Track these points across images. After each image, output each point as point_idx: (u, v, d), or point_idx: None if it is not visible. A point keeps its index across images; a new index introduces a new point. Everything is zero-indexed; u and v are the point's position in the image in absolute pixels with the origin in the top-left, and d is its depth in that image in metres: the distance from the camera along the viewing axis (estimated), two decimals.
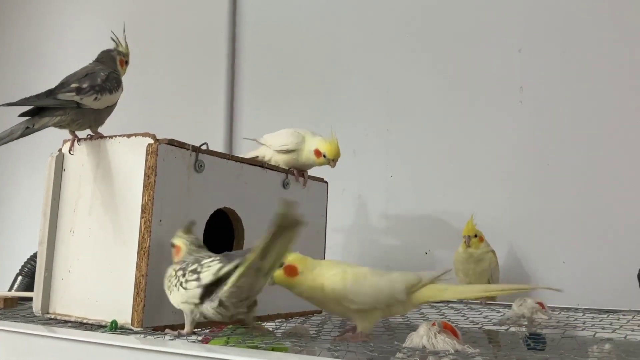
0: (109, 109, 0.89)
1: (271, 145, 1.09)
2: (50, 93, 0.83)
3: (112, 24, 1.02)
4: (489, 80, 1.40)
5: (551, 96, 1.33)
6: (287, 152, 1.08)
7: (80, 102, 0.84)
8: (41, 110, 0.83)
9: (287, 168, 1.06)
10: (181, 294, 0.73)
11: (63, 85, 0.85)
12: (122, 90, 0.92)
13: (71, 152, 0.88)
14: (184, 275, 0.73)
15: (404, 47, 1.53)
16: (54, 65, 2.20)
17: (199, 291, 0.71)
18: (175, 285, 0.74)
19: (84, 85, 0.85)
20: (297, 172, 1.06)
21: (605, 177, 1.25)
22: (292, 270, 0.79)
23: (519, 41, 1.37)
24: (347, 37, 1.63)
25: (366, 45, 1.59)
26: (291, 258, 0.80)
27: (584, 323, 0.93)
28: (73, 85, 0.84)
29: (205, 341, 0.88)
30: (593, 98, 1.29)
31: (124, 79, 0.95)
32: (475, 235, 1.20)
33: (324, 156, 1.06)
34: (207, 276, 0.71)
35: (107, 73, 0.89)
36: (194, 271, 0.72)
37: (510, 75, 1.37)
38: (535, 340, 0.86)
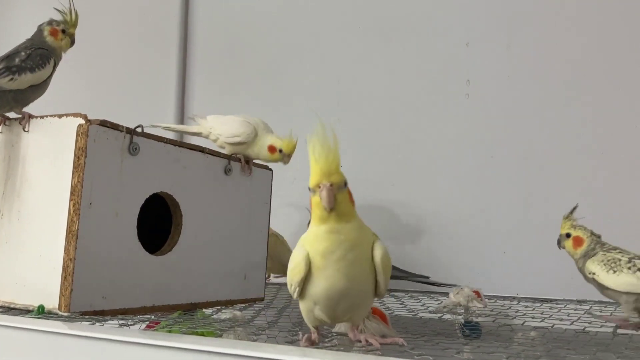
0: (35, 88, 0.86)
1: (220, 133, 1.07)
2: None
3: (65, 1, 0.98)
4: (437, 73, 1.41)
5: (497, 90, 1.35)
6: (238, 143, 1.06)
7: None
8: None
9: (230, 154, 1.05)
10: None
11: None
12: (54, 65, 0.88)
13: None
14: None
15: (355, 39, 1.53)
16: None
17: None
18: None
19: None
20: (243, 159, 1.05)
21: (546, 169, 1.28)
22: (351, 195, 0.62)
23: (467, 35, 1.39)
24: (298, 27, 1.62)
25: (318, 36, 1.59)
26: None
27: (516, 312, 0.95)
28: None
29: (151, 327, 0.87)
30: (538, 92, 1.32)
31: (72, 55, 0.92)
32: None
33: (280, 151, 1.05)
34: None
35: (30, 52, 0.86)
36: None
37: (458, 69, 1.39)
38: (471, 329, 0.87)
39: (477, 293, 0.99)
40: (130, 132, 0.82)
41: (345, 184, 0.60)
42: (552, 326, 0.81)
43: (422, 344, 0.60)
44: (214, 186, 0.99)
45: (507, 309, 0.99)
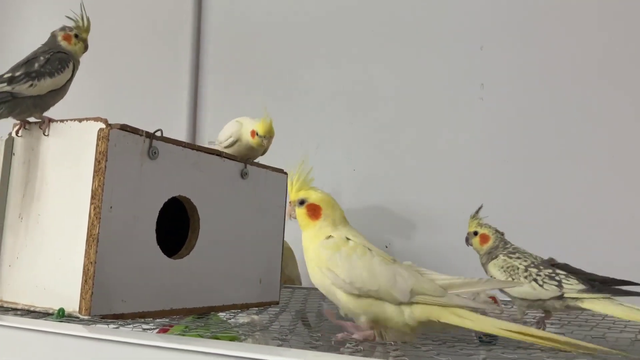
0: (55, 92, 0.86)
1: (220, 141, 1.08)
2: None
3: (77, 5, 0.99)
4: (451, 77, 1.41)
5: (511, 93, 1.35)
6: (232, 144, 1.07)
7: (13, 92, 0.82)
8: None
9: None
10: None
11: None
12: (73, 69, 0.88)
13: (18, 134, 0.86)
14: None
15: (368, 42, 1.54)
16: (19, 52, 2.14)
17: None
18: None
19: (18, 73, 0.83)
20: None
21: (560, 172, 1.28)
22: (315, 211, 0.76)
23: (481, 38, 1.39)
24: (312, 31, 1.62)
25: (331, 40, 1.59)
26: (317, 196, 0.76)
27: (534, 318, 0.95)
28: (6, 76, 0.83)
29: (164, 331, 0.88)
30: (552, 96, 1.31)
31: (87, 59, 0.92)
32: None
33: (257, 134, 1.03)
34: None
35: (49, 56, 0.85)
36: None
37: (472, 72, 1.38)
38: (488, 335, 0.87)
39: (494, 298, 0.98)
40: (150, 136, 0.82)
41: (302, 202, 0.77)
42: (572, 332, 0.80)
43: (445, 350, 0.60)
44: (230, 190, 0.99)
45: (525, 314, 0.98)
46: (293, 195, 0.78)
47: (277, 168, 1.12)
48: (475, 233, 1.00)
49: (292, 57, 1.64)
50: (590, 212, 1.26)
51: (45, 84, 0.84)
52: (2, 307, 0.83)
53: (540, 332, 0.62)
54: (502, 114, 1.35)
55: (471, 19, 1.41)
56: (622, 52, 1.27)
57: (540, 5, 1.35)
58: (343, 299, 0.70)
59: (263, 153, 1.13)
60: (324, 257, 0.71)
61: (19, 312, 0.80)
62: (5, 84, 0.81)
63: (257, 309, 1.04)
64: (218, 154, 0.97)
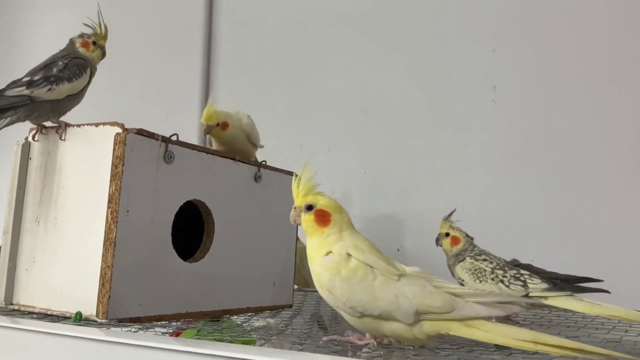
0: (72, 97, 0.86)
1: None
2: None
3: (89, 11, 1.00)
4: (463, 80, 1.41)
5: (523, 96, 1.34)
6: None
7: (32, 96, 0.82)
8: None
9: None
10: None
11: (15, 81, 0.83)
12: (91, 75, 0.89)
13: (35, 139, 0.86)
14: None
15: (379, 45, 1.54)
16: (29, 57, 2.16)
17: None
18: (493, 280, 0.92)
19: (36, 78, 0.83)
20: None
21: (574, 176, 1.27)
22: (324, 217, 0.72)
23: (493, 41, 1.38)
24: (322, 34, 1.62)
25: (341, 43, 1.59)
26: (325, 202, 0.73)
27: (549, 321, 0.94)
28: (25, 79, 0.83)
29: (176, 335, 0.88)
30: (565, 98, 1.31)
31: (100, 65, 0.93)
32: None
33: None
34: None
35: (67, 61, 0.86)
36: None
37: (484, 75, 1.38)
38: None
39: None
40: (166, 140, 0.83)
41: (310, 208, 0.73)
42: (589, 335, 0.80)
43: (464, 355, 0.59)
44: (244, 193, 1.00)
45: (540, 318, 0.98)
46: (299, 200, 0.74)
47: (289, 171, 1.12)
48: (447, 234, 1.05)
49: (304, 60, 1.64)
50: (607, 214, 1.25)
51: (64, 89, 0.84)
52: (19, 310, 0.84)
53: (554, 340, 0.59)
54: (515, 116, 1.35)
55: (483, 22, 1.41)
56: (634, 54, 1.27)
57: (552, 8, 1.34)
58: (346, 317, 0.69)
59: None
60: (323, 279, 0.68)
61: (35, 316, 0.81)
62: (23, 88, 0.82)
63: (269, 311, 1.05)
64: (232, 157, 0.98)
